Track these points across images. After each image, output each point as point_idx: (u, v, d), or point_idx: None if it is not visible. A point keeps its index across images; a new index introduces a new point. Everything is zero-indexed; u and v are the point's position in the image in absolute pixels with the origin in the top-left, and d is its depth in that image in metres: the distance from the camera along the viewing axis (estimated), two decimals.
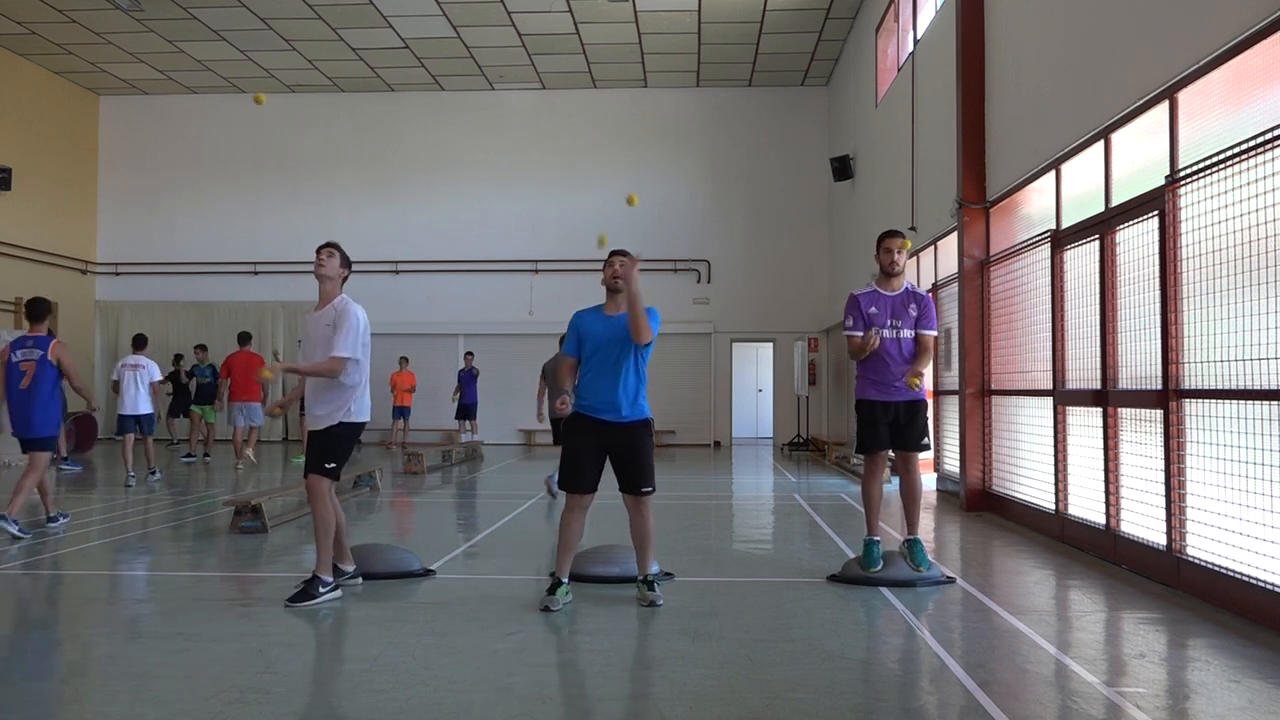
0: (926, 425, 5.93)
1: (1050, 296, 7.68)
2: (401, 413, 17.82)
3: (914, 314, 5.82)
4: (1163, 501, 5.75)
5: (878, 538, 5.85)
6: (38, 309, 8.13)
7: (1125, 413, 6.49)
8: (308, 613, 5.12)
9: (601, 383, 5.24)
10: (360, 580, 5.77)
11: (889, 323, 5.79)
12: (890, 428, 5.84)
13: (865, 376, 5.91)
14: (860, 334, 5.80)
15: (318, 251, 5.53)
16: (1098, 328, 6.77)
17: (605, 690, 3.89)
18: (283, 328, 19.99)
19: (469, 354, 18.20)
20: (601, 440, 5.27)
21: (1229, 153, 5.05)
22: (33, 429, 7.85)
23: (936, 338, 5.96)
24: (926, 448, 5.95)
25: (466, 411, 17.76)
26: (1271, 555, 4.73)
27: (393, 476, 12.73)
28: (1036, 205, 8.39)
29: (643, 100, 19.97)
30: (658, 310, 5.39)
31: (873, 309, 5.83)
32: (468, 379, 17.79)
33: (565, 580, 5.29)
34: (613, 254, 5.30)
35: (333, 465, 5.39)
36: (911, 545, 5.83)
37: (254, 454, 14.02)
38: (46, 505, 8.18)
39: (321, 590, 5.30)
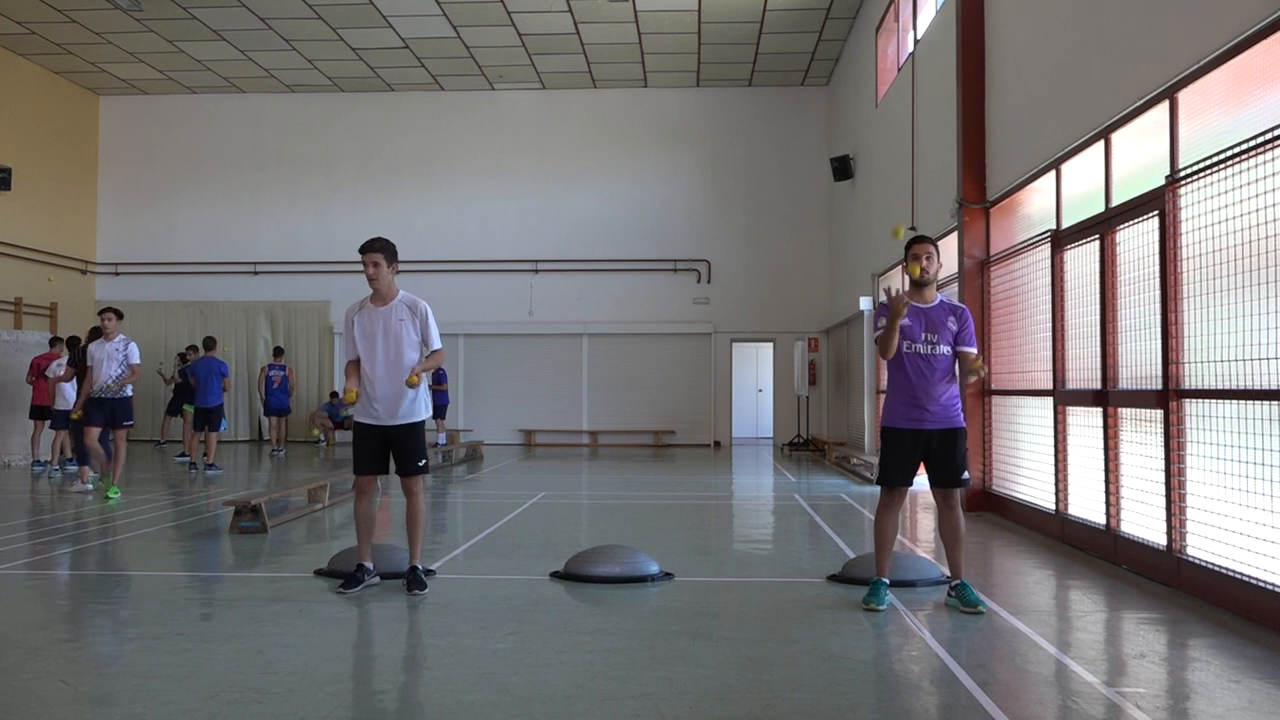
0: (966, 457, 5.29)
1: (1050, 296, 7.68)
2: None
3: (953, 328, 5.23)
4: (1163, 501, 5.75)
5: (887, 580, 5.33)
6: (279, 351, 17.63)
7: (1125, 413, 6.49)
8: (306, 614, 5.13)
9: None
10: (379, 579, 5.92)
11: (924, 337, 5.20)
12: (925, 460, 5.24)
13: (895, 399, 5.27)
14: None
15: (368, 254, 6.03)
16: (1098, 328, 6.77)
17: (605, 690, 3.89)
18: (282, 328, 19.97)
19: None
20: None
21: (1229, 153, 5.05)
22: (286, 407, 16.65)
23: (979, 355, 5.28)
24: (967, 483, 5.34)
25: (440, 411, 17.53)
26: (1271, 555, 4.73)
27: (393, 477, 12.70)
28: (1036, 205, 8.39)
29: (643, 100, 19.96)
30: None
31: (905, 321, 5.20)
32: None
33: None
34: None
35: (424, 462, 6.02)
36: (960, 589, 5.21)
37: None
38: (275, 441, 16.77)
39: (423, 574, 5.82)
